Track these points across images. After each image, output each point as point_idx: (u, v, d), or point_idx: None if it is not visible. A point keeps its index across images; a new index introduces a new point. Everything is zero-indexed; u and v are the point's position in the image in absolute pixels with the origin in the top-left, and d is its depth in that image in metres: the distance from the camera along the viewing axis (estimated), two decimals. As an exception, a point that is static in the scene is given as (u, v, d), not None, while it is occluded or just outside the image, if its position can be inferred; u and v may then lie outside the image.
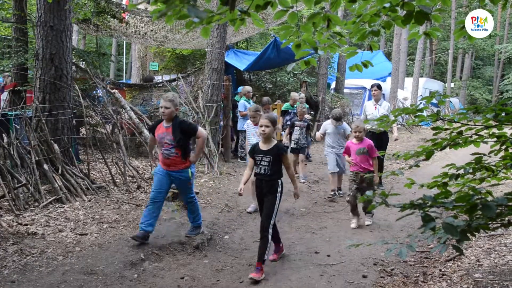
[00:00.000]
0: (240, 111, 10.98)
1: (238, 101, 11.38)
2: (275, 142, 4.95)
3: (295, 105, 10.76)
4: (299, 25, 2.55)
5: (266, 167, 4.86)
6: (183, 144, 5.30)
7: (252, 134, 7.09)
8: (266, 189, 4.90)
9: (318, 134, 8.81)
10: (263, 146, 4.94)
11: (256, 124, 6.57)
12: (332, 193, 8.31)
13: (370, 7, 2.64)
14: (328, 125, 8.66)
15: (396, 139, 9.29)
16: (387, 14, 2.59)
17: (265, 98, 10.83)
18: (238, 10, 2.17)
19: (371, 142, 6.68)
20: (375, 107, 8.79)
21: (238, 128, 11.17)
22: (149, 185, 7.61)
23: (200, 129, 5.45)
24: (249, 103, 11.00)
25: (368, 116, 8.72)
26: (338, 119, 8.51)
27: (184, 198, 5.77)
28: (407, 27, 2.66)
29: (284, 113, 11.34)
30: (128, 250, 5.05)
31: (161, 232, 5.73)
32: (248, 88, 11.62)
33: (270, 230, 4.81)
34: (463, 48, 36.52)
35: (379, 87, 8.88)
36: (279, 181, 4.93)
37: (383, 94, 23.17)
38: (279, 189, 4.92)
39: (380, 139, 8.43)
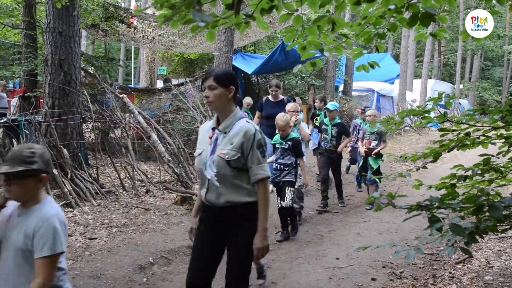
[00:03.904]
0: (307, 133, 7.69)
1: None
2: None
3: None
4: (304, 27, 2.56)
5: None
6: None
7: None
8: None
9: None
10: None
11: None
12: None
13: (375, 9, 2.65)
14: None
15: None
16: (393, 16, 2.59)
17: None
18: (243, 14, 2.18)
19: None
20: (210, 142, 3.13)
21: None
22: (157, 189, 7.63)
23: None
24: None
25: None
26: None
27: None
28: (414, 29, 2.65)
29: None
30: (137, 254, 5.07)
31: (170, 236, 5.75)
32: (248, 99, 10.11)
33: None
34: (472, 50, 36.32)
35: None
36: None
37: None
38: None
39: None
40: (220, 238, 3.11)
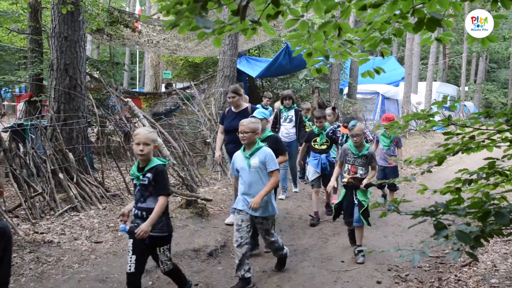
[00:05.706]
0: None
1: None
2: None
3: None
4: (310, 33, 2.57)
5: None
6: None
7: None
8: None
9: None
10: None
11: None
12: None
13: (381, 15, 2.65)
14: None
15: None
16: (398, 21, 2.59)
17: None
18: (249, 20, 2.19)
19: None
20: None
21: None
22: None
23: None
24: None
25: None
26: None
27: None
28: (419, 33, 2.66)
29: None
30: (142, 258, 5.08)
31: (175, 239, 5.76)
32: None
33: None
34: (477, 52, 36.21)
35: None
36: None
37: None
38: None
39: None
40: None
